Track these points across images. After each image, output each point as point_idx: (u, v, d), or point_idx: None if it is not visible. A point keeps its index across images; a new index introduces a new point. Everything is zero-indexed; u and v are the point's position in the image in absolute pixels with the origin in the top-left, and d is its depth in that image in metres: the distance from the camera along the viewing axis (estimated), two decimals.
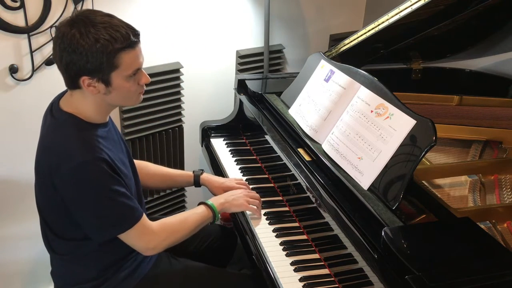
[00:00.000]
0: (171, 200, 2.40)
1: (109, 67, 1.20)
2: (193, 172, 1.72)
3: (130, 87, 1.27)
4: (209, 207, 1.50)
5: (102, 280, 1.40)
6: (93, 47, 1.16)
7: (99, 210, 1.26)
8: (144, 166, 1.68)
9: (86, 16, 1.19)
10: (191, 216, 1.46)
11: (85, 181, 1.22)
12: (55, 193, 1.26)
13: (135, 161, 1.65)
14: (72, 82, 1.24)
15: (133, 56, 1.23)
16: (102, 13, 1.22)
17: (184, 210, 2.48)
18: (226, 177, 1.80)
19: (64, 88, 1.32)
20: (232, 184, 1.67)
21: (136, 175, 1.45)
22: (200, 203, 1.53)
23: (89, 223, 1.29)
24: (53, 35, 1.73)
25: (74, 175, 1.21)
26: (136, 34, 1.23)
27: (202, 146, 2.10)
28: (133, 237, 1.32)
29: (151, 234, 1.35)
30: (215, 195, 1.63)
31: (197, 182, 1.71)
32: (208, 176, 1.72)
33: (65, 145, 1.23)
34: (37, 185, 1.36)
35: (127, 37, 1.19)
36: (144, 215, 1.33)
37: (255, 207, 1.56)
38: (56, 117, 1.29)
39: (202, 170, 1.74)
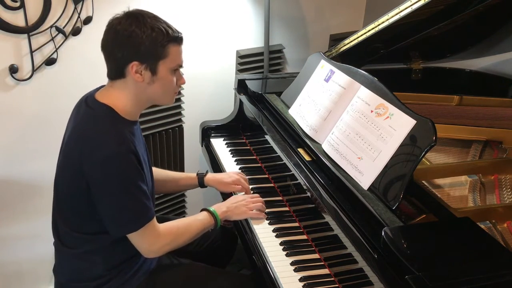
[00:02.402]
0: (171, 200, 2.40)
1: (159, 55, 1.28)
2: (197, 174, 1.72)
3: (171, 81, 1.34)
4: (212, 214, 1.51)
5: (106, 279, 1.41)
6: (149, 34, 1.24)
7: (121, 202, 1.28)
8: None
9: (139, 12, 1.29)
10: (194, 222, 1.48)
11: (115, 171, 1.25)
12: (81, 180, 1.27)
13: None
14: (119, 70, 1.29)
15: (179, 51, 1.33)
16: (151, 12, 1.31)
17: (184, 211, 2.48)
18: None
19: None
20: (236, 177, 1.68)
21: (153, 178, 1.47)
22: (202, 210, 1.53)
23: (110, 214, 1.30)
24: (54, 35, 1.74)
25: (106, 163, 1.24)
26: (182, 35, 1.33)
27: (202, 146, 2.10)
28: (140, 237, 1.33)
29: (157, 237, 1.36)
30: (220, 191, 1.65)
31: (201, 183, 1.72)
32: (213, 176, 1.72)
33: (100, 133, 1.26)
34: (61, 173, 1.37)
35: (177, 32, 1.31)
36: (155, 217, 1.35)
37: (257, 212, 1.55)
38: (92, 107, 1.32)
39: (207, 171, 1.74)
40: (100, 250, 1.38)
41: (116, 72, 1.30)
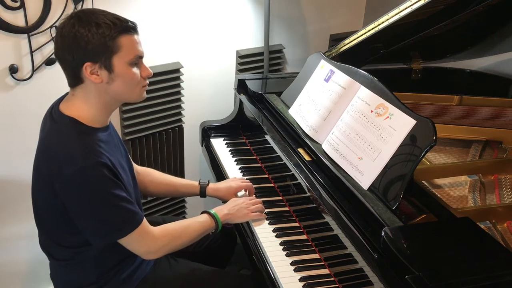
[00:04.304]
0: (171, 200, 2.39)
1: (111, 50, 1.21)
2: (199, 183, 1.69)
3: (132, 75, 1.26)
4: (212, 216, 1.49)
5: (102, 283, 1.40)
6: (95, 31, 1.18)
7: (100, 215, 1.25)
8: (148, 173, 1.67)
9: (83, 10, 1.24)
10: (193, 224, 1.46)
11: (86, 186, 1.21)
12: (55, 199, 1.25)
13: (140, 167, 1.65)
14: (75, 75, 1.24)
15: (133, 42, 1.25)
16: (98, 8, 1.26)
17: (184, 211, 2.48)
18: (227, 178, 1.80)
19: (64, 87, 1.32)
20: (239, 184, 1.67)
21: (135, 180, 1.45)
22: (203, 212, 1.52)
23: (90, 228, 1.28)
24: (53, 35, 1.74)
25: (75, 179, 1.20)
26: (134, 23, 1.26)
27: (202, 146, 2.10)
28: (133, 242, 1.31)
29: (151, 239, 1.34)
30: (225, 201, 1.62)
31: (203, 193, 1.69)
32: (214, 186, 1.69)
33: (66, 150, 1.22)
34: (36, 191, 1.35)
35: (126, 22, 1.23)
36: (145, 220, 1.33)
37: (258, 214, 1.55)
38: (56, 121, 1.28)
39: (208, 180, 1.72)
40: (90, 259, 1.36)
41: (73, 78, 1.25)
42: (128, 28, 1.23)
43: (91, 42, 1.19)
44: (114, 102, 1.32)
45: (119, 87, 1.26)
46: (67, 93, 1.33)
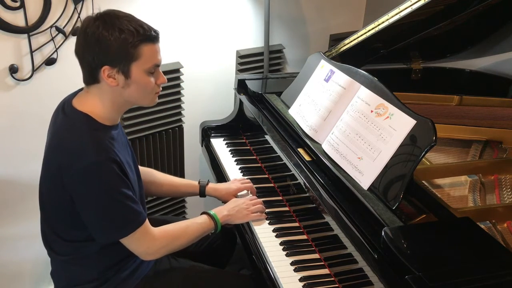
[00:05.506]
0: (171, 200, 2.39)
1: (130, 57, 1.23)
2: (199, 182, 1.70)
3: (148, 82, 1.28)
4: (212, 217, 1.49)
5: (103, 280, 1.40)
6: (117, 36, 1.20)
7: (106, 211, 1.26)
8: (149, 173, 1.68)
9: (108, 13, 1.24)
10: (193, 225, 1.46)
11: (96, 181, 1.22)
12: (63, 192, 1.26)
13: (142, 168, 1.65)
14: (92, 75, 1.25)
15: (154, 51, 1.26)
16: (124, 12, 1.27)
17: (184, 210, 2.48)
18: (227, 178, 1.80)
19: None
20: (239, 186, 1.67)
21: (140, 179, 1.46)
22: (203, 213, 1.52)
23: (95, 223, 1.29)
24: (53, 35, 1.74)
25: (86, 174, 1.21)
26: (156, 32, 1.27)
27: (202, 146, 2.10)
28: (133, 241, 1.32)
29: (151, 240, 1.35)
30: (225, 202, 1.62)
31: (202, 192, 1.69)
32: (214, 186, 1.70)
33: (77, 144, 1.24)
34: (44, 184, 1.36)
35: (149, 30, 1.24)
36: (147, 220, 1.33)
37: (258, 214, 1.55)
38: (68, 116, 1.29)
39: (208, 180, 1.72)
40: (92, 255, 1.37)
41: (90, 77, 1.27)
42: (151, 37, 1.25)
43: (113, 46, 1.20)
44: (126, 104, 1.34)
45: (134, 92, 1.29)
46: (80, 89, 1.35)
